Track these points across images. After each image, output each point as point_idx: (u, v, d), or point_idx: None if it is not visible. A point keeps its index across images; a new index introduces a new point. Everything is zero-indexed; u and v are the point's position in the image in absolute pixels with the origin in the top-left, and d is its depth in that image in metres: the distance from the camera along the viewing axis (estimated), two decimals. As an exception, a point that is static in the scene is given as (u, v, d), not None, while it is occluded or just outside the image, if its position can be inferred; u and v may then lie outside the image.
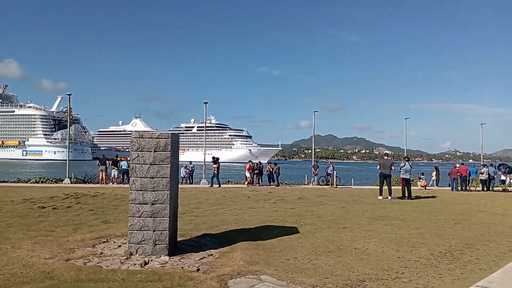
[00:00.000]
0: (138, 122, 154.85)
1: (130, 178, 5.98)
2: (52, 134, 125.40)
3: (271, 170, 25.92)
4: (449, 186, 24.77)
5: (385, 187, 16.24)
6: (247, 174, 25.79)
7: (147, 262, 5.57)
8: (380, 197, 16.05)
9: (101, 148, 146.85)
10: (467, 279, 5.54)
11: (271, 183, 25.72)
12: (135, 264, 5.45)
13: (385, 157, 16.88)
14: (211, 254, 6.23)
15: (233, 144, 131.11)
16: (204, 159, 27.88)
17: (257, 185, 25.53)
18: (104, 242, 6.87)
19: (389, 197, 15.94)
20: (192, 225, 8.64)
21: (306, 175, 29.51)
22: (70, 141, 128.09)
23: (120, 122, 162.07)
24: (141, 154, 5.96)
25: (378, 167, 16.42)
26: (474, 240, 8.30)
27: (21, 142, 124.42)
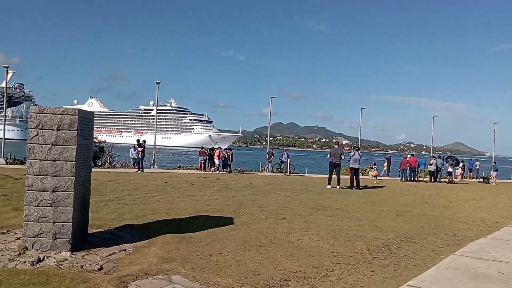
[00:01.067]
0: (94, 102, 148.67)
1: (27, 160, 5.12)
2: (1, 111, 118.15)
3: (225, 156, 25.30)
4: (399, 176, 25.19)
5: (334, 176, 16.04)
6: (199, 159, 25.08)
7: (41, 259, 4.78)
8: (329, 186, 15.84)
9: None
10: (399, 277, 5.18)
11: (224, 170, 25.14)
12: (25, 262, 4.65)
13: (335, 146, 16.64)
14: (124, 249, 5.52)
15: (193, 129, 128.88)
16: (155, 143, 26.73)
17: (209, 171, 24.88)
18: (3, 233, 5.98)
19: (337, 187, 15.76)
20: (116, 214, 7.84)
21: (260, 162, 29.09)
22: (21, 119, 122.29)
23: (75, 101, 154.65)
24: (41, 133, 5.10)
25: (328, 155, 16.18)
26: (413, 233, 8.09)
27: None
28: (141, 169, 21.18)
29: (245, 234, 6.93)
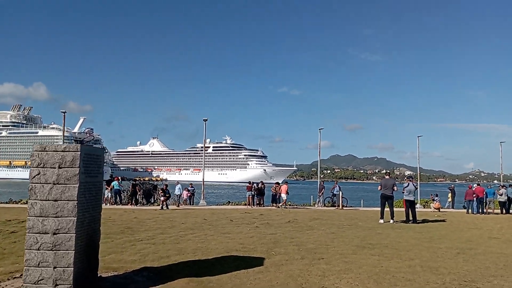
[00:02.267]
0: (156, 142, 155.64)
1: (28, 201, 4.88)
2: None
3: (275, 191, 24.62)
4: (464, 208, 22.89)
5: (387, 209, 14.73)
6: (247, 194, 24.59)
7: (37, 308, 4.41)
8: (381, 221, 14.52)
9: (121, 168, 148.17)
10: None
11: (273, 204, 24.39)
12: (19, 312, 4.30)
13: (386, 177, 15.36)
14: (131, 296, 5.03)
15: (248, 164, 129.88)
16: (203, 178, 26.71)
17: (257, 206, 24.24)
18: (15, 277, 5.75)
19: (391, 221, 14.40)
20: (139, 255, 7.44)
21: (312, 196, 27.99)
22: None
23: (138, 142, 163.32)
24: (42, 171, 4.87)
25: (379, 187, 14.93)
26: (475, 275, 6.85)
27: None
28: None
29: (272, 278, 6.19)
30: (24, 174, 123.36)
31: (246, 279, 6.09)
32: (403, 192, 14.88)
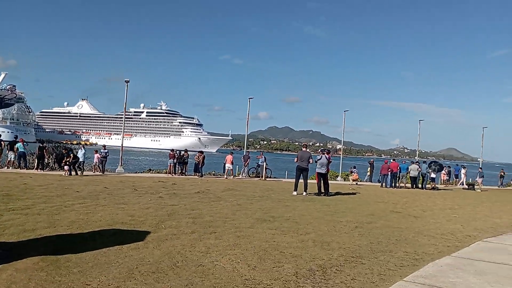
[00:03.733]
0: (85, 104, 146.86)
1: None
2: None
3: (198, 159, 23.93)
4: (378, 182, 23.94)
5: (301, 181, 14.72)
6: (169, 162, 23.72)
7: None
8: (295, 193, 14.50)
9: (46, 130, 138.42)
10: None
11: (196, 174, 23.79)
12: None
13: (304, 149, 15.29)
14: (-49, 280, 4.15)
15: (183, 132, 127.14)
16: (122, 144, 25.28)
17: (180, 174, 23.52)
18: None
19: (304, 193, 14.43)
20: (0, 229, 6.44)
21: (237, 166, 27.75)
22: (12, 120, 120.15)
23: (65, 103, 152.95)
24: None
25: (296, 159, 14.82)
26: (365, 250, 6.79)
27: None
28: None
29: (146, 255, 5.58)
30: None
31: (114, 256, 5.42)
32: (316, 164, 14.88)
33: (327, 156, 14.86)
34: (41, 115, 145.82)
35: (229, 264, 5.49)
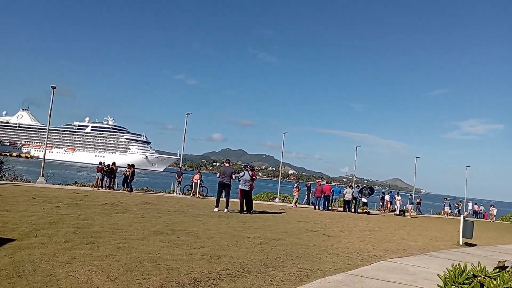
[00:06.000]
0: (25, 114, 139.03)
1: None
2: None
3: (127, 173, 22.81)
4: (312, 204, 23.92)
5: (223, 199, 14.19)
6: (96, 176, 22.42)
7: None
8: (216, 209, 13.91)
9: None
10: None
11: (124, 188, 22.61)
12: None
13: (226, 164, 14.80)
14: None
15: (129, 148, 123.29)
16: (44, 155, 23.73)
17: (108, 188, 22.25)
18: None
19: (226, 210, 13.88)
20: None
21: (172, 183, 26.77)
22: None
23: (4, 112, 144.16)
24: None
25: (218, 174, 14.32)
26: (257, 265, 6.31)
27: None
28: None
29: (-13, 265, 4.77)
30: None
31: None
32: (239, 182, 14.45)
33: (250, 172, 14.47)
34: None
35: (86, 276, 4.80)
